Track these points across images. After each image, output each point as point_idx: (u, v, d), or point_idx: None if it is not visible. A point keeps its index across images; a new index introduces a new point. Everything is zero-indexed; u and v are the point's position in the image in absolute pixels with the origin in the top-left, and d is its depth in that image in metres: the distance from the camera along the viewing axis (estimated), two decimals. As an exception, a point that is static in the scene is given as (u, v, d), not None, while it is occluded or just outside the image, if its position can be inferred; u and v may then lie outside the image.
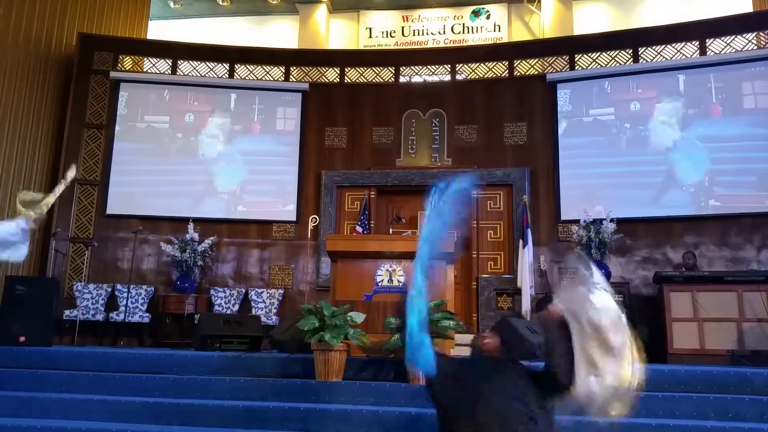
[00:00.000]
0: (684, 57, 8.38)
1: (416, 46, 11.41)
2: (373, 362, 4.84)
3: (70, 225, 8.48)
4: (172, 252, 8.14)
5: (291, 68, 9.45)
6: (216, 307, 8.12)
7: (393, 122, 9.04)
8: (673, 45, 8.46)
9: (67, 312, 7.67)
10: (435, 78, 9.44)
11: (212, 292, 8.29)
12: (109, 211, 8.60)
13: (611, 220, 7.57)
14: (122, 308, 7.72)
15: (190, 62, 9.36)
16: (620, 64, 8.63)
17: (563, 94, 8.70)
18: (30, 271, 8.12)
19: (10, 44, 8.10)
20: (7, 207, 7.98)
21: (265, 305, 8.19)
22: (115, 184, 8.70)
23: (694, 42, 8.38)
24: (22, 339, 5.56)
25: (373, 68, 9.41)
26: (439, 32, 11.79)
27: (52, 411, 4.32)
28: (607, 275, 7.40)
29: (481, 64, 9.20)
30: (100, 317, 7.81)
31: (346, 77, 9.41)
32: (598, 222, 7.61)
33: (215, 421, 4.20)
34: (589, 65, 8.78)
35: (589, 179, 8.30)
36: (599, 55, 8.76)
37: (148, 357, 5.14)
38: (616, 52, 8.69)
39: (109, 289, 8.10)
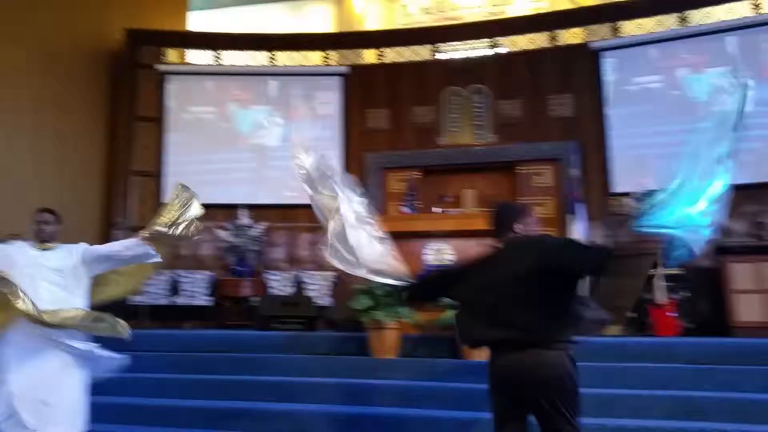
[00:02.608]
0: (735, 17, 8.04)
1: (454, 21, 11.28)
2: (426, 339, 4.98)
3: (129, 215, 8.87)
4: (227, 238, 8.45)
5: (329, 52, 9.54)
6: (272, 290, 8.40)
7: (434, 100, 9.03)
8: (724, 4, 8.13)
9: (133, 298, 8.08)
10: (475, 53, 9.36)
11: (267, 275, 8.57)
12: (165, 201, 8.93)
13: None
14: (185, 293, 8.11)
15: (232, 52, 9.56)
16: (667, 28, 8.36)
17: (608, 63, 8.50)
18: (96, 261, 8.55)
19: (62, 41, 8.42)
20: (62, 201, 8.37)
21: (319, 287, 8.42)
22: (170, 174, 9.03)
23: None
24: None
25: (411, 47, 9.40)
26: (478, 6, 11.61)
27: (126, 389, 4.63)
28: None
29: (522, 36, 9.07)
30: (164, 302, 8.20)
31: (384, 57, 9.43)
32: (650, 194, 7.43)
33: (278, 396, 4.44)
34: (634, 31, 8.54)
35: (641, 150, 8.10)
36: (644, 21, 8.51)
37: (212, 337, 5.43)
38: (662, 17, 8.41)
39: (172, 276, 8.49)
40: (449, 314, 4.58)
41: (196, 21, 11.89)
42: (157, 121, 9.24)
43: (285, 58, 9.54)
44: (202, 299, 8.24)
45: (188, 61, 9.75)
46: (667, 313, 5.95)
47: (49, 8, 8.23)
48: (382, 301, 4.75)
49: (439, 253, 5.52)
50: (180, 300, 8.11)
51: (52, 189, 8.16)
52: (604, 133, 8.33)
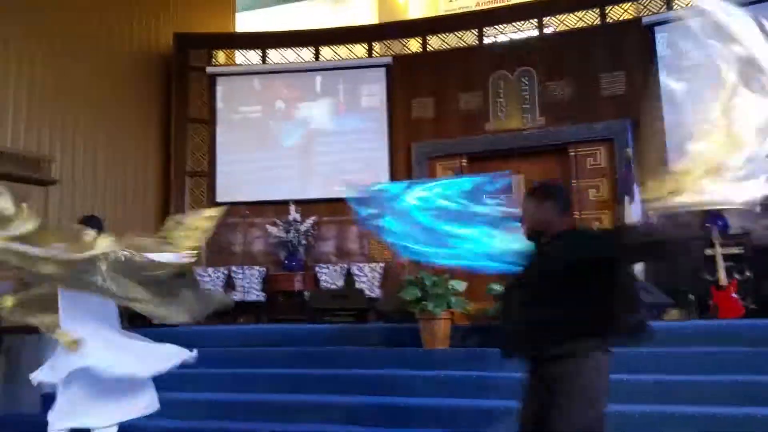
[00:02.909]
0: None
1: (499, 4, 11.04)
2: (478, 329, 4.90)
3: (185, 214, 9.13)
4: (278, 233, 8.59)
5: (373, 43, 9.50)
6: (322, 283, 8.49)
7: (480, 86, 8.86)
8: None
9: (190, 294, 8.33)
10: (521, 35, 9.13)
11: (317, 269, 8.66)
12: (218, 199, 9.16)
13: (727, 168, 7.01)
14: (239, 288, 8.29)
15: (278, 50, 9.67)
16: (726, -4, 7.91)
17: (661, 38, 8.12)
18: (155, 259, 8.89)
19: (116, 49, 8.75)
20: (123, 203, 8.69)
21: (368, 279, 8.45)
22: (222, 173, 9.25)
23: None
24: (153, 320, 6.10)
25: (456, 33, 9.25)
26: (523, -14, 11.31)
27: (185, 385, 4.77)
28: (725, 227, 6.92)
29: (570, 15, 8.78)
30: (219, 298, 8.42)
31: (428, 46, 9.33)
32: (713, 170, 7.09)
33: (332, 389, 4.48)
34: (689, 3, 8.11)
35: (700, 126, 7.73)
36: (701, -10, 8.07)
37: (267, 332, 5.55)
38: (720, -17, 7.95)
39: (226, 272, 8.70)
40: (500, 303, 4.48)
41: (243, 21, 12.10)
42: (207, 122, 9.46)
43: (330, 53, 9.58)
44: (256, 294, 8.41)
45: (236, 62, 9.92)
46: (730, 295, 5.67)
47: (102, 20, 8.57)
48: (431, 292, 4.70)
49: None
50: (235, 296, 8.30)
51: (111, 192, 8.50)
52: (660, 111, 7.98)
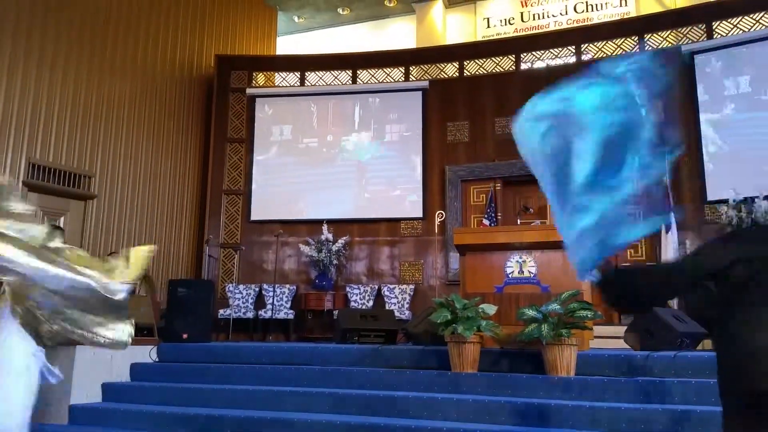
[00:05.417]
0: None
1: (537, 31, 11.08)
2: (507, 354, 4.82)
3: (219, 232, 9.31)
4: (310, 252, 8.66)
5: (410, 68, 9.62)
6: (352, 303, 8.50)
7: (516, 111, 8.83)
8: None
9: (221, 311, 8.45)
10: (559, 61, 9.12)
11: (348, 288, 8.68)
12: (253, 218, 9.32)
13: (765, 198, 6.86)
14: (269, 306, 8.35)
15: (317, 73, 9.87)
16: (766, 26, 7.79)
17: (701, 66, 8.02)
18: (188, 275, 9.08)
19: (159, 71, 9.09)
20: (160, 219, 8.89)
21: (398, 300, 8.43)
22: (257, 192, 9.42)
23: None
24: (185, 336, 6.18)
25: (493, 58, 9.30)
26: (561, 13, 11.36)
27: (213, 401, 4.79)
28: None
29: (609, 42, 8.76)
30: (250, 315, 8.50)
31: (465, 70, 9.40)
32: (750, 200, 6.94)
33: (360, 409, 4.43)
34: (730, 32, 8.00)
35: (740, 155, 7.58)
36: (740, 20, 7.97)
37: (295, 350, 5.52)
38: (761, 15, 7.84)
39: (257, 289, 8.79)
40: (531, 328, 4.42)
41: (284, 44, 12.40)
42: (245, 141, 9.67)
43: (368, 77, 9.74)
44: (285, 312, 8.46)
45: (275, 83, 10.15)
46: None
47: (146, 41, 8.90)
48: (461, 315, 4.65)
49: (522, 266, 5.35)
50: (265, 313, 8.37)
51: (149, 208, 8.72)
52: (698, 139, 7.86)
